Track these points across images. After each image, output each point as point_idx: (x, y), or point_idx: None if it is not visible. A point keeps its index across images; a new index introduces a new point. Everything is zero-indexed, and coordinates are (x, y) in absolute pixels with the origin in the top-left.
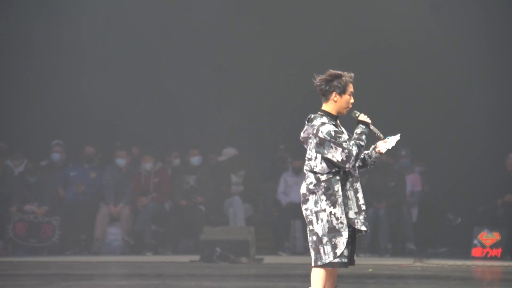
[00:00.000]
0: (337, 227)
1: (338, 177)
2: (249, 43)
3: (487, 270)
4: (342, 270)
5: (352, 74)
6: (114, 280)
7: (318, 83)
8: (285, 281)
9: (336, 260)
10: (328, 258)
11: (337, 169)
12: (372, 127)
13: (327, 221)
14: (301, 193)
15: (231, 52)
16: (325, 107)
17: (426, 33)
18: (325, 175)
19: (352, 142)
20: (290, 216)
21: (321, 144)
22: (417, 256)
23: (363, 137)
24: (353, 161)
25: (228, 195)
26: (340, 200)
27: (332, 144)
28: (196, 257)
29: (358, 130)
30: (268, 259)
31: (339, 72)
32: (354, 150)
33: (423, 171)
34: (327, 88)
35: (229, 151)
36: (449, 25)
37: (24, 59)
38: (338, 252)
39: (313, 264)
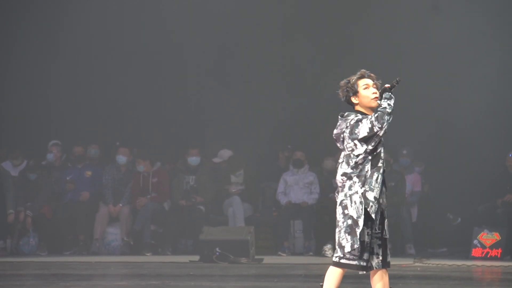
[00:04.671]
0: (367, 208)
1: (370, 158)
2: (247, 43)
3: (487, 270)
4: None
5: (363, 71)
6: (113, 280)
7: (341, 98)
8: (285, 281)
9: (355, 262)
10: (363, 239)
11: (373, 143)
12: (389, 85)
13: (360, 202)
14: (337, 182)
15: (230, 52)
16: (355, 108)
17: (426, 33)
18: (362, 159)
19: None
20: (289, 216)
21: (352, 130)
22: (417, 256)
23: (383, 101)
24: (376, 121)
25: (227, 195)
26: (369, 180)
27: (359, 123)
28: (196, 257)
29: (379, 101)
30: (268, 259)
31: (346, 79)
32: (374, 114)
33: (422, 171)
34: (344, 98)
35: (225, 153)
36: (450, 23)
37: (23, 59)
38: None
39: (349, 249)
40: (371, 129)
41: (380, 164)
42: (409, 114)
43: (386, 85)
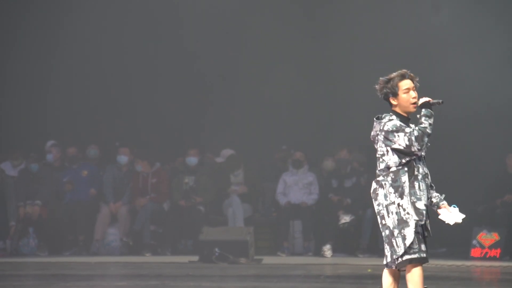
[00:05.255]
0: (404, 218)
1: (406, 168)
2: (246, 43)
3: (486, 271)
4: (342, 271)
5: (403, 71)
6: (113, 281)
7: (378, 94)
8: (284, 281)
9: (412, 256)
10: (400, 250)
11: (407, 158)
12: (432, 101)
13: (396, 213)
14: (372, 190)
15: (230, 52)
16: (393, 109)
17: (425, 33)
18: (394, 167)
19: (416, 127)
20: (289, 216)
21: (387, 137)
22: None
23: (423, 119)
24: (415, 142)
25: (227, 195)
26: (407, 191)
27: (395, 133)
28: (195, 258)
29: (418, 116)
30: (267, 260)
31: (388, 77)
32: (416, 132)
33: None
34: (382, 96)
35: (227, 153)
36: (449, 23)
37: (21, 60)
38: (407, 243)
39: (389, 259)
40: (409, 146)
41: (416, 172)
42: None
43: (428, 99)
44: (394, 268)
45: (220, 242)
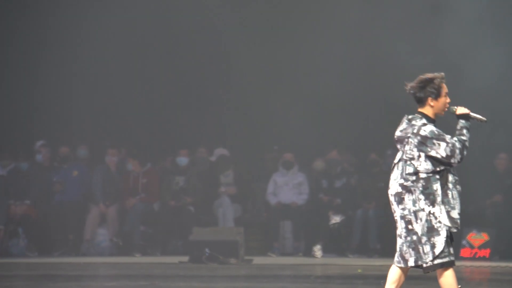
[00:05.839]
0: (435, 227)
1: (437, 176)
2: (238, 42)
3: (475, 271)
4: (332, 271)
5: (443, 74)
6: (102, 281)
7: (412, 91)
8: (274, 282)
9: (443, 260)
10: (428, 257)
11: (442, 167)
12: (472, 115)
13: (426, 220)
14: (394, 192)
15: (223, 51)
16: (422, 110)
17: (418, 36)
18: (424, 174)
19: (455, 138)
20: (279, 216)
21: (424, 142)
22: None
23: (464, 131)
24: (458, 155)
25: (217, 196)
26: (439, 199)
27: (434, 141)
28: (185, 258)
29: (458, 126)
30: (258, 260)
31: (429, 76)
32: (458, 144)
33: None
34: (422, 95)
35: (221, 152)
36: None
37: (9, 59)
38: (437, 251)
39: (413, 264)
40: (449, 157)
41: (448, 180)
42: (399, 114)
43: (468, 111)
44: (423, 271)
45: (210, 242)
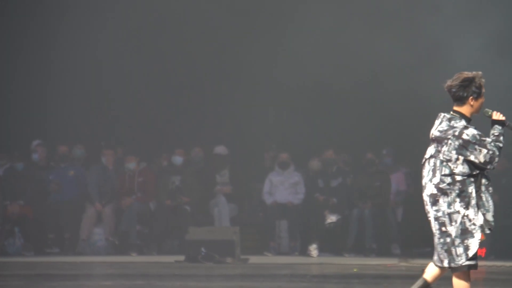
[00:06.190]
0: (469, 229)
1: (472, 179)
2: (237, 42)
3: (471, 270)
4: (328, 270)
5: (481, 73)
6: (98, 281)
7: (454, 90)
8: (270, 281)
9: (472, 262)
10: (461, 259)
11: (477, 171)
12: (508, 123)
13: (461, 222)
14: (429, 193)
15: (218, 51)
16: (460, 109)
17: (412, 38)
18: (460, 176)
19: (492, 143)
20: (275, 216)
21: (465, 146)
22: (402, 256)
23: (501, 138)
24: (495, 162)
25: (213, 195)
26: (473, 202)
27: (476, 146)
28: (181, 257)
29: (495, 132)
30: (254, 259)
31: (471, 75)
32: (496, 151)
33: (408, 172)
34: (464, 94)
35: (220, 149)
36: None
37: (5, 58)
38: (470, 253)
39: (447, 265)
40: (486, 163)
41: (482, 183)
42: (394, 114)
43: (503, 117)
44: (452, 271)
45: (206, 241)
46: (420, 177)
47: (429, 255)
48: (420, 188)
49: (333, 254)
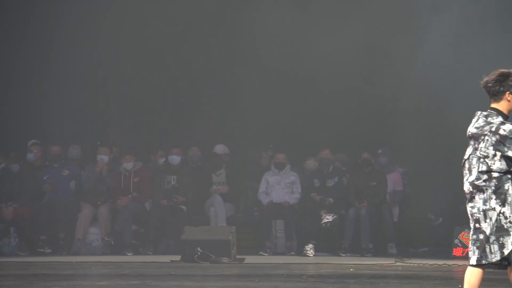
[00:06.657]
0: (505, 226)
1: (509, 176)
2: (234, 41)
3: None
4: (324, 270)
5: None
6: (94, 280)
7: (490, 85)
8: (267, 281)
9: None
10: (495, 257)
11: None
12: None
13: (496, 220)
14: (467, 190)
15: (214, 50)
16: (496, 106)
17: (405, 37)
18: (497, 173)
19: None
20: (271, 215)
21: (502, 141)
22: (398, 255)
23: None
24: None
25: (209, 195)
26: (510, 199)
27: None
28: (177, 257)
29: None
30: (250, 259)
31: (508, 70)
32: None
33: (405, 172)
34: (501, 89)
35: (220, 148)
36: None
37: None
38: (506, 252)
39: (474, 262)
40: None
41: None
42: (391, 114)
43: None
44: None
45: (202, 241)
46: (417, 177)
47: (425, 255)
48: (418, 189)
49: (330, 253)
